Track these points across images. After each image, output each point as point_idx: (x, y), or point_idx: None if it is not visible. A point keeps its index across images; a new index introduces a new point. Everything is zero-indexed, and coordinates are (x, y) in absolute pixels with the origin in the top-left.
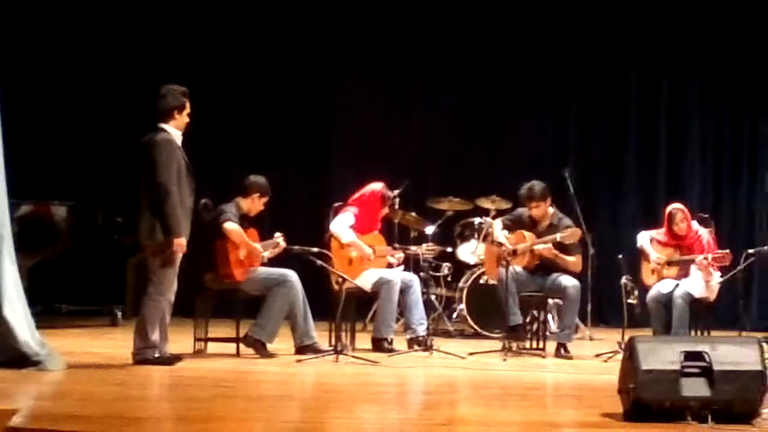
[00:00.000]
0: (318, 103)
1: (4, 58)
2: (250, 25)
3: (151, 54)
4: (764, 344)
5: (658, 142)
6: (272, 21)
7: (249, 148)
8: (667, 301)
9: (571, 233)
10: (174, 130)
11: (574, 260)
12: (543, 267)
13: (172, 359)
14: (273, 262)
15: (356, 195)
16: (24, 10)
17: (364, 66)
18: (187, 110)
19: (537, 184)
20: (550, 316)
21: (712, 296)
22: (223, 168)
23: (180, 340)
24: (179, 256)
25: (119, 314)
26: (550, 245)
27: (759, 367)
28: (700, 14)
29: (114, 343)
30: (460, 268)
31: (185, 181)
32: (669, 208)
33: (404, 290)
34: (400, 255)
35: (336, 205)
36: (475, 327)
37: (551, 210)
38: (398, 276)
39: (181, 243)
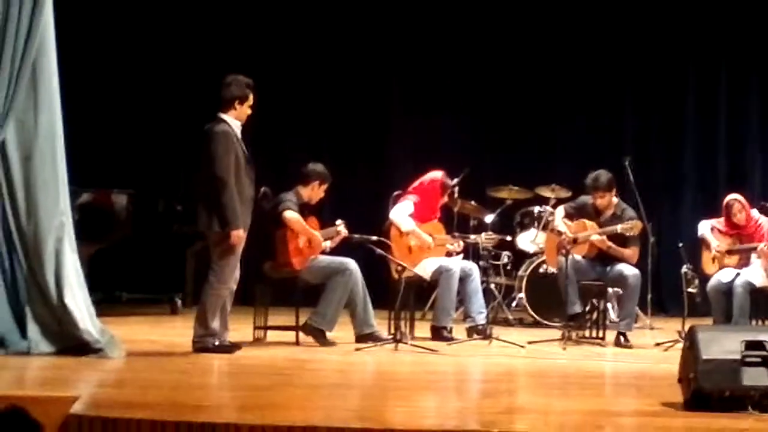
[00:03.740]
0: (377, 92)
1: (66, 46)
2: (312, 14)
3: (214, 43)
4: None
5: (717, 132)
6: (334, 10)
7: (309, 137)
8: (727, 290)
9: (632, 225)
10: (234, 121)
11: (629, 252)
12: (603, 256)
13: (231, 347)
14: (334, 250)
15: (416, 183)
16: None
17: (422, 56)
18: (250, 102)
19: (603, 174)
20: (609, 305)
21: None
22: (283, 157)
23: (240, 328)
24: (240, 247)
25: (179, 302)
26: (604, 237)
27: None
28: (757, 5)
29: (174, 332)
30: (520, 257)
31: (244, 171)
32: (726, 199)
33: (463, 279)
34: (460, 243)
35: (396, 193)
36: (535, 316)
37: (615, 200)
38: (457, 265)
39: (239, 235)
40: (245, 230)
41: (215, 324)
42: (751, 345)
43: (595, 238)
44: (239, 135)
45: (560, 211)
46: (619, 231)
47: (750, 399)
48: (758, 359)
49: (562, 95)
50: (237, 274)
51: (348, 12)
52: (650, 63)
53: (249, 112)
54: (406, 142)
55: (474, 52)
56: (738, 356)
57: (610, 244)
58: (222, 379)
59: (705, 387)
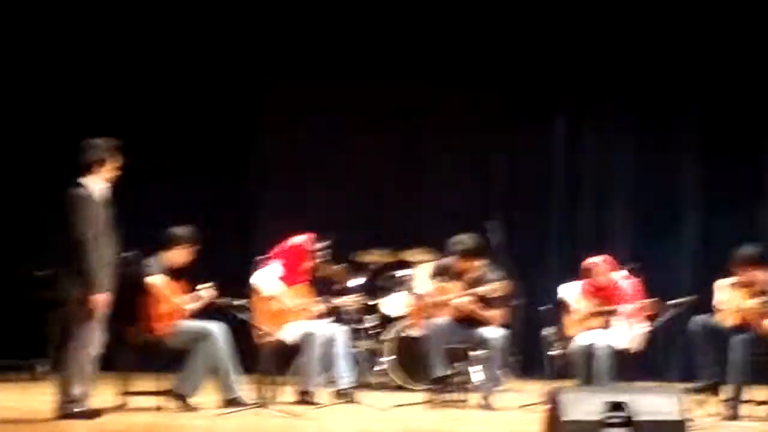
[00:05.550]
0: (246, 154)
1: None
2: (174, 77)
3: (74, 104)
4: (685, 394)
5: (582, 192)
6: (186, 74)
7: (175, 197)
8: (590, 352)
9: (494, 287)
10: (94, 184)
11: (493, 314)
12: (468, 318)
13: (93, 413)
14: (200, 313)
15: (281, 248)
16: None
17: (285, 118)
18: (112, 164)
19: (473, 240)
20: (474, 368)
21: (635, 347)
22: (148, 219)
23: (102, 394)
24: (101, 312)
25: (40, 369)
26: (470, 300)
27: (679, 417)
28: (619, 56)
29: (35, 398)
30: (385, 321)
31: (104, 234)
32: (586, 264)
33: (329, 343)
34: (323, 307)
35: (258, 258)
36: (400, 379)
37: (479, 262)
38: (322, 329)
39: (99, 299)
40: (107, 294)
41: (77, 390)
42: (612, 406)
43: (458, 301)
44: (103, 197)
45: (423, 274)
46: (483, 293)
47: None
48: (619, 420)
49: (425, 157)
50: (100, 339)
51: (203, 75)
52: (516, 120)
53: (114, 173)
54: (273, 206)
55: (336, 112)
56: (599, 417)
57: (473, 307)
58: None
59: None
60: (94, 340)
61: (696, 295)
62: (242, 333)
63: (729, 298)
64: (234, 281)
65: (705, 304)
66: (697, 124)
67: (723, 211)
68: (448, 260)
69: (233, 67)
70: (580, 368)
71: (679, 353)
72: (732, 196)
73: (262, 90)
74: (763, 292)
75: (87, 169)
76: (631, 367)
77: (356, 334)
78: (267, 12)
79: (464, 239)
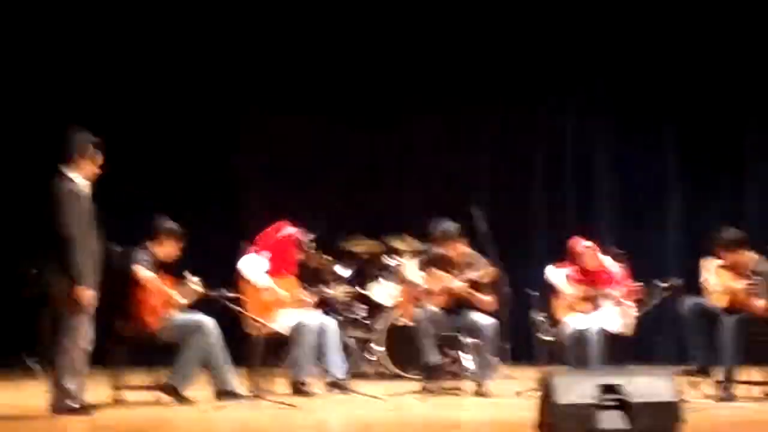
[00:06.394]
0: (230, 143)
1: None
2: (158, 71)
3: (55, 97)
4: (678, 376)
5: (564, 177)
6: (176, 70)
7: (159, 190)
8: (581, 336)
9: (485, 272)
10: (79, 177)
11: (488, 299)
12: (459, 306)
13: (89, 408)
14: (190, 307)
15: (270, 238)
16: None
17: (270, 109)
18: (97, 159)
19: (450, 224)
20: (467, 356)
21: (627, 330)
22: (136, 213)
23: (97, 389)
24: (90, 306)
25: (34, 365)
26: (465, 284)
27: (674, 399)
28: (606, 47)
29: (29, 394)
30: (376, 310)
31: (90, 228)
32: (576, 247)
33: (321, 333)
34: (315, 298)
35: (247, 247)
36: (393, 368)
37: (465, 249)
38: (314, 319)
39: (87, 293)
40: (94, 288)
41: (71, 385)
42: (605, 389)
43: (455, 285)
44: (86, 190)
45: (413, 264)
46: (473, 278)
47: None
48: (614, 403)
49: (411, 143)
50: (90, 333)
51: (190, 71)
52: (501, 107)
53: (96, 170)
54: (261, 196)
55: (320, 104)
56: (593, 400)
57: (471, 291)
58: None
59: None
60: (85, 334)
61: (681, 279)
62: (236, 324)
63: (718, 280)
64: (221, 272)
65: (692, 286)
66: (679, 109)
67: (705, 194)
68: (436, 249)
69: (219, 59)
70: (572, 352)
71: (670, 336)
72: (713, 180)
73: (248, 80)
74: (749, 274)
75: (71, 160)
76: (622, 350)
77: (347, 324)
78: (254, 7)
79: (446, 225)
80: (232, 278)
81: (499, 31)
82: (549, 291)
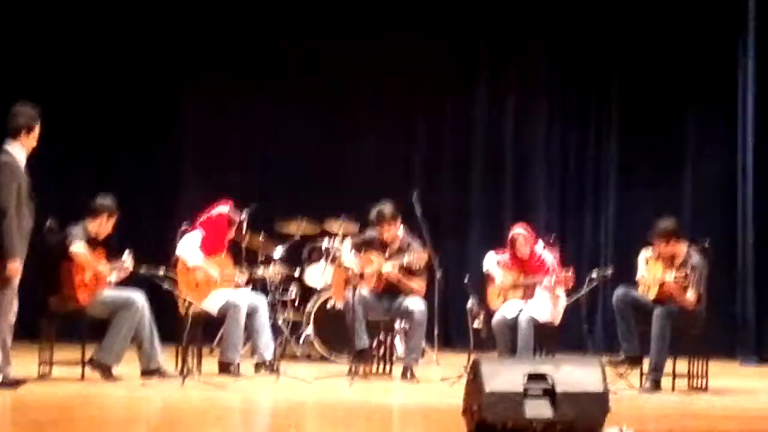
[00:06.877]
0: (167, 120)
1: None
2: (99, 51)
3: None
4: (607, 366)
5: (503, 164)
6: (117, 49)
7: (96, 167)
8: (512, 324)
9: (417, 257)
10: (19, 151)
11: (417, 285)
12: (390, 290)
13: (15, 383)
14: (121, 283)
15: (203, 217)
16: None
17: (208, 83)
18: (36, 132)
19: (387, 207)
20: (397, 340)
21: (557, 319)
22: (69, 188)
23: (24, 364)
24: (16, 279)
25: None
26: (395, 269)
27: (601, 389)
28: (540, 29)
29: None
30: (308, 292)
31: (26, 203)
32: (511, 233)
33: (251, 314)
34: (246, 278)
35: (183, 228)
36: (323, 351)
37: (401, 233)
38: (245, 299)
39: (16, 266)
40: (22, 262)
41: None
42: (533, 377)
43: (386, 269)
44: (23, 165)
45: (347, 245)
46: (405, 263)
47: (532, 430)
48: (540, 391)
49: (349, 124)
50: (15, 306)
51: (130, 44)
52: (438, 92)
53: (34, 144)
54: (196, 174)
55: (258, 78)
56: (521, 389)
57: (400, 276)
58: (5, 414)
59: (488, 419)
60: (10, 306)
61: (613, 267)
62: (166, 302)
63: (650, 271)
64: (154, 250)
65: (624, 276)
66: (615, 98)
67: (640, 184)
68: (370, 232)
69: (158, 35)
70: (502, 340)
71: (600, 325)
72: (648, 170)
73: (187, 60)
74: (682, 265)
75: (15, 134)
76: (552, 338)
77: (280, 306)
78: None
79: (381, 207)
80: (164, 257)
81: (440, 15)
82: (484, 277)
